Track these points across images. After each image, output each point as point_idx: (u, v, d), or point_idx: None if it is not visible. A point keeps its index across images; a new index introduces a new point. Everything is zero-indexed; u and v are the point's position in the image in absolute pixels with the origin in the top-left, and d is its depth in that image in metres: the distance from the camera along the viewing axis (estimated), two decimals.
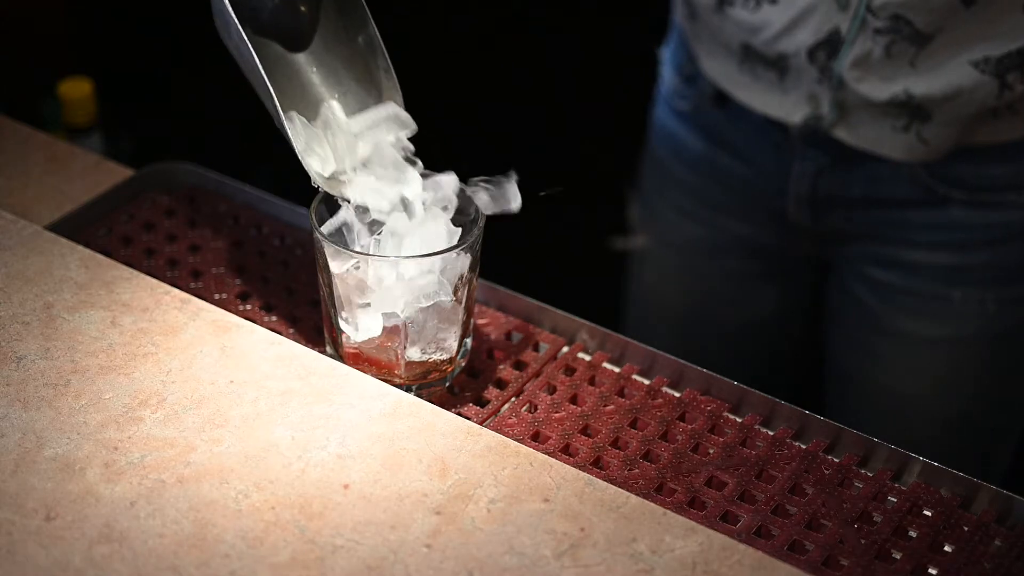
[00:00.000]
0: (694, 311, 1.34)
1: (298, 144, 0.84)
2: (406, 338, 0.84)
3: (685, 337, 1.33)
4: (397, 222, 0.85)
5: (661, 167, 1.30)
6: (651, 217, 1.35)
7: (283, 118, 0.82)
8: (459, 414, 0.86)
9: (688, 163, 1.26)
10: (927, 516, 0.81)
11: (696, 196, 1.27)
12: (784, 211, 1.21)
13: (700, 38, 1.18)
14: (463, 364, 0.89)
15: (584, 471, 0.80)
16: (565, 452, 0.84)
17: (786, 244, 1.25)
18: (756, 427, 0.86)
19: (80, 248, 0.93)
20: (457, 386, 0.90)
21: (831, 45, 1.08)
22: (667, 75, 1.28)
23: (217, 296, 0.96)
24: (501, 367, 0.91)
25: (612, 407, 0.87)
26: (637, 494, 0.79)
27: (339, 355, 0.87)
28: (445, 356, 0.87)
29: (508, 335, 0.94)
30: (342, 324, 0.85)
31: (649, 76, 1.34)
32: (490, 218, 0.84)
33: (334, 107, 0.85)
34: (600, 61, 2.06)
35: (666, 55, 1.28)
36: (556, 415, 0.86)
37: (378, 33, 0.85)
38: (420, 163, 0.86)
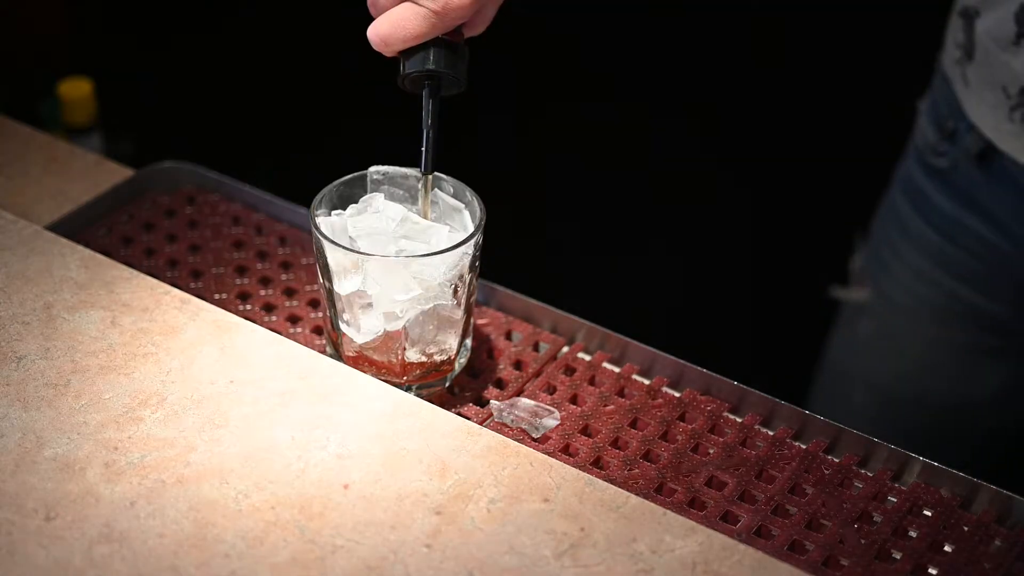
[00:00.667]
0: (906, 377, 1.26)
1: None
2: (406, 338, 0.84)
3: (887, 400, 1.26)
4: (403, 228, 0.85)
5: (901, 223, 1.21)
6: (879, 272, 1.26)
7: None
8: (459, 414, 0.86)
9: (933, 223, 1.17)
10: (927, 516, 0.81)
11: (936, 259, 1.18)
12: None
13: (970, 83, 1.08)
14: (463, 364, 0.89)
15: (584, 471, 0.80)
16: (565, 452, 0.84)
17: None
18: (756, 427, 0.86)
19: (80, 248, 0.93)
20: (457, 386, 0.90)
21: None
22: (924, 129, 1.18)
23: (217, 296, 0.96)
24: (501, 367, 0.91)
25: (612, 407, 0.87)
26: (637, 494, 0.79)
27: (339, 355, 0.87)
28: (445, 356, 0.87)
29: (508, 335, 0.94)
30: (342, 325, 0.85)
31: (899, 126, 1.26)
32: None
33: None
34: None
35: (924, 107, 1.19)
36: None
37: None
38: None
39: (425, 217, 0.87)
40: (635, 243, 2.09)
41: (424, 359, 0.86)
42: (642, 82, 2.20)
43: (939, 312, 1.20)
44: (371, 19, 0.84)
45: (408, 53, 0.84)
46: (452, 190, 0.88)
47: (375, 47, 0.83)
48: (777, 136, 2.10)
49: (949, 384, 1.24)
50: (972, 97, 1.09)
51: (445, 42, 0.83)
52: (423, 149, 0.84)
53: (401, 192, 0.88)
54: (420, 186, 0.86)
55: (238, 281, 0.98)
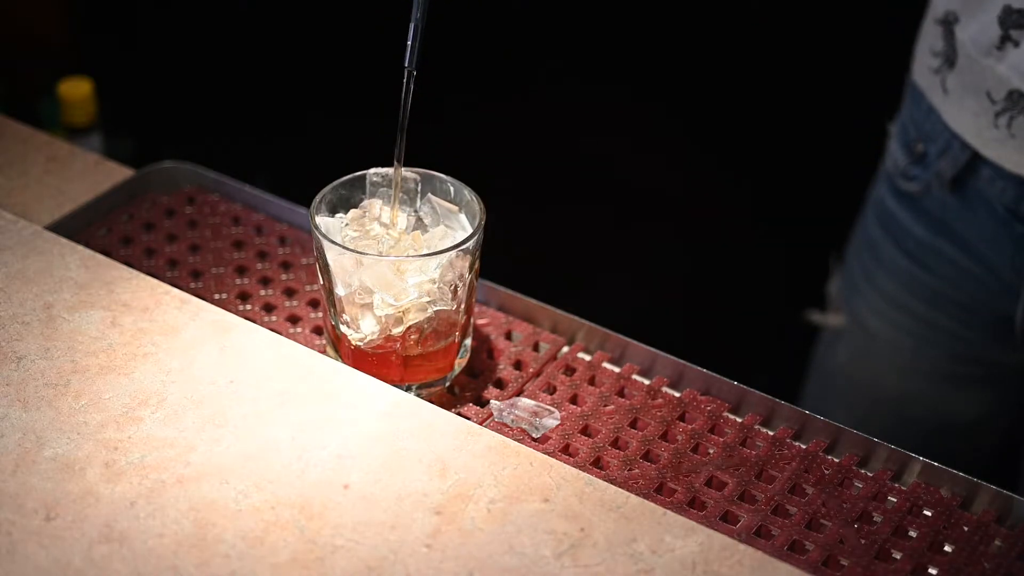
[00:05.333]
0: (884, 403, 1.24)
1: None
2: (406, 339, 0.84)
3: (866, 423, 1.21)
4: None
5: (874, 249, 1.20)
6: (854, 299, 1.24)
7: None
8: (459, 414, 0.86)
9: (906, 250, 1.15)
10: (927, 516, 0.81)
11: (909, 287, 1.16)
12: (1011, 317, 1.10)
13: (950, 91, 1.06)
14: (463, 364, 0.89)
15: (584, 471, 0.80)
16: (565, 452, 0.84)
17: (1006, 352, 1.14)
18: (756, 427, 0.86)
19: (80, 248, 0.93)
20: (457, 386, 0.90)
21: None
22: (894, 152, 1.16)
23: (217, 296, 0.96)
24: (501, 367, 0.91)
25: (612, 407, 0.87)
26: (637, 494, 0.79)
27: (339, 355, 0.87)
28: (445, 356, 0.87)
29: (508, 335, 0.94)
30: (342, 325, 0.85)
31: (871, 149, 1.25)
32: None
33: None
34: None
35: (894, 131, 1.18)
36: None
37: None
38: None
39: (403, 117, 0.85)
40: (635, 243, 2.09)
41: (424, 359, 0.86)
42: (642, 86, 2.20)
43: (913, 339, 1.19)
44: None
45: None
46: (451, 189, 0.88)
47: None
48: (775, 138, 2.10)
49: (927, 411, 1.22)
50: (952, 106, 1.07)
51: None
52: (409, 43, 0.83)
53: (401, 195, 0.88)
54: (404, 83, 0.85)
55: (238, 281, 0.98)
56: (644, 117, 2.17)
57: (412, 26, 0.83)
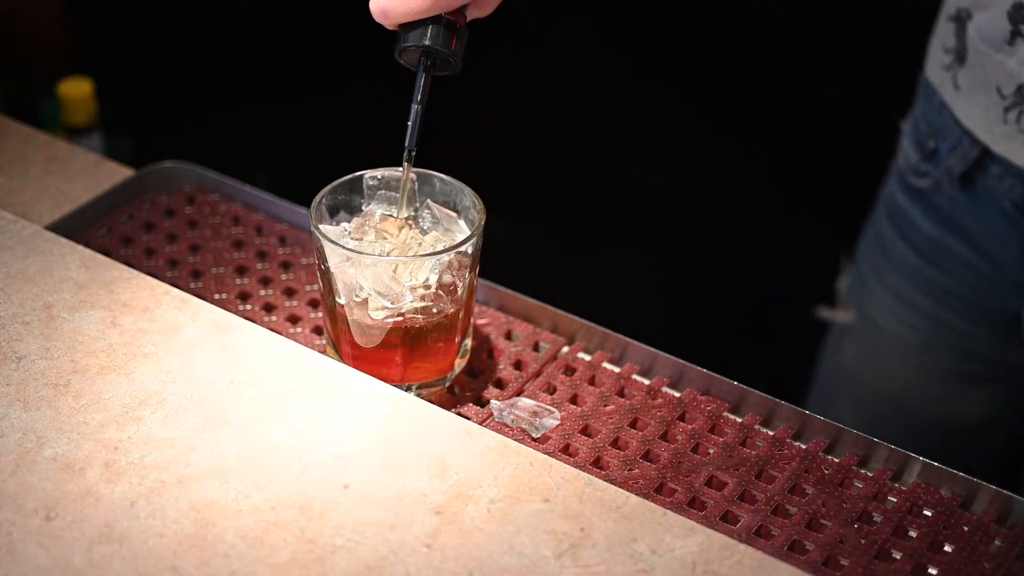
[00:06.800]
0: (892, 401, 1.24)
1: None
2: (405, 338, 0.84)
3: (872, 421, 1.24)
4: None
5: (884, 245, 1.20)
6: (863, 295, 1.25)
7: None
8: (459, 414, 0.86)
9: (915, 246, 1.16)
10: (927, 516, 0.81)
11: (918, 283, 1.17)
12: (1018, 315, 1.10)
13: (961, 87, 1.07)
14: (463, 364, 0.89)
15: (584, 471, 0.80)
16: (565, 452, 0.84)
17: (1014, 351, 1.15)
18: (756, 427, 0.86)
19: (80, 248, 0.93)
20: (457, 386, 0.90)
21: None
22: (906, 149, 1.16)
23: (217, 296, 0.96)
24: (501, 367, 0.91)
25: (612, 407, 0.87)
26: (637, 494, 0.79)
27: (339, 355, 0.87)
28: (445, 356, 0.87)
29: (508, 335, 0.94)
30: (342, 324, 0.85)
31: (884, 147, 1.25)
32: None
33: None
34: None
35: (907, 128, 1.18)
36: None
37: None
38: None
39: (404, 191, 0.86)
40: (639, 242, 2.09)
41: (424, 359, 0.86)
42: (647, 83, 2.20)
43: (922, 337, 1.19)
44: (369, 13, 0.84)
45: (408, 27, 0.84)
46: (451, 190, 0.88)
47: (375, 18, 0.83)
48: (787, 135, 2.10)
49: (934, 409, 1.22)
50: (963, 102, 1.07)
51: (445, 20, 0.83)
52: (409, 123, 0.84)
53: (399, 196, 0.88)
54: (403, 161, 0.86)
55: (238, 281, 0.98)
56: (648, 114, 2.17)
57: (414, 109, 0.84)
